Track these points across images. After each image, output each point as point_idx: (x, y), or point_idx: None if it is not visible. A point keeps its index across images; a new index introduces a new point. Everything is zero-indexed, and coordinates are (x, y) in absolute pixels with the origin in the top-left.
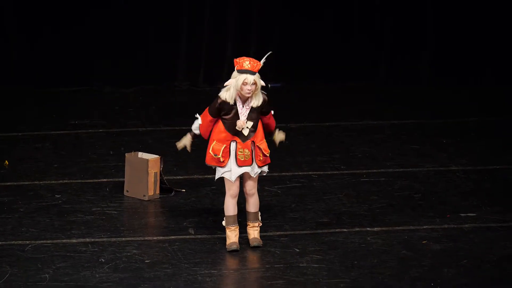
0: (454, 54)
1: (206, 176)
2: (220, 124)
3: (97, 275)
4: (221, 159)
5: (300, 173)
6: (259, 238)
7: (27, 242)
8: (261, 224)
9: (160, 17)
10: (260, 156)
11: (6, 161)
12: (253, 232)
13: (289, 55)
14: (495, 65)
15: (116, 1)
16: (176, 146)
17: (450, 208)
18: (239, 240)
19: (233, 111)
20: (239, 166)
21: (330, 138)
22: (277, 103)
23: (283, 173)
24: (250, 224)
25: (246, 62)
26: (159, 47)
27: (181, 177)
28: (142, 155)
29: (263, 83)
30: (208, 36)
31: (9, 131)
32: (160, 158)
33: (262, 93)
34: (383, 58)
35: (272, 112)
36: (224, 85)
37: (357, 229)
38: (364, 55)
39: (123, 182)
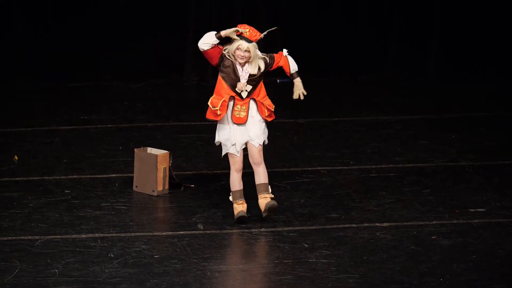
0: (463, 48)
1: (215, 171)
2: (220, 80)
3: (106, 270)
4: (218, 112)
5: (309, 169)
6: (274, 202)
7: (37, 237)
8: (272, 196)
9: (168, 11)
10: (265, 112)
11: (16, 156)
12: (265, 201)
13: (297, 49)
14: (504, 59)
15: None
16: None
17: (459, 203)
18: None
19: (232, 68)
20: (234, 123)
21: (339, 133)
22: (286, 98)
23: (292, 169)
24: (261, 195)
25: (246, 30)
26: (168, 42)
27: (190, 173)
28: (151, 150)
29: (259, 54)
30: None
31: (18, 126)
32: (169, 153)
33: (263, 58)
34: (391, 51)
35: (285, 51)
36: (225, 47)
37: (366, 224)
38: (372, 48)
39: (132, 178)
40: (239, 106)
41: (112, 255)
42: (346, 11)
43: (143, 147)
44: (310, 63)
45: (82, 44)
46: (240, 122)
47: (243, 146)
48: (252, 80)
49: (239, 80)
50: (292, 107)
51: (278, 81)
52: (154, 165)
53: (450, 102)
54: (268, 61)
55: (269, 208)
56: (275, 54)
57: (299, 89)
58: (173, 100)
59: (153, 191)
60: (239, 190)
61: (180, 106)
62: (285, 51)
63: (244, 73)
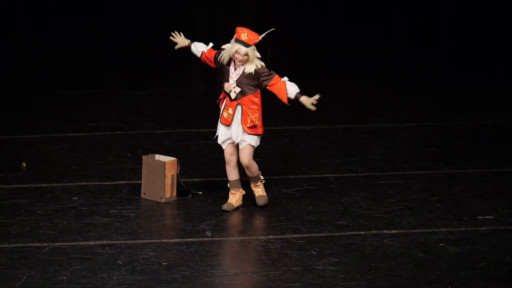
0: (471, 54)
1: (223, 178)
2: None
3: (114, 278)
4: (219, 106)
5: (316, 176)
6: (264, 195)
7: (45, 244)
8: (264, 181)
9: (176, 18)
10: (247, 122)
11: (24, 163)
12: (257, 190)
13: (304, 54)
14: None
15: (132, 4)
16: (174, 37)
17: (467, 210)
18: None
19: (225, 71)
20: (221, 123)
21: (347, 140)
22: (292, 105)
23: (299, 176)
24: (252, 184)
25: (244, 34)
26: (175, 49)
27: (198, 180)
28: (159, 157)
29: (258, 55)
30: (223, 37)
31: (26, 133)
32: (177, 160)
33: (260, 67)
34: (398, 57)
35: (286, 78)
36: (221, 47)
37: (374, 231)
38: (379, 54)
39: (140, 185)
40: (227, 107)
41: (120, 262)
42: (350, 15)
43: (151, 154)
44: (317, 68)
45: (89, 51)
46: (225, 123)
47: (228, 142)
48: (243, 83)
49: (227, 81)
50: (299, 114)
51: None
52: (162, 172)
53: (458, 108)
54: (266, 72)
55: (260, 205)
56: (277, 75)
57: (309, 102)
58: (181, 107)
59: (161, 198)
60: (233, 181)
61: (188, 113)
62: (285, 78)
63: (234, 74)
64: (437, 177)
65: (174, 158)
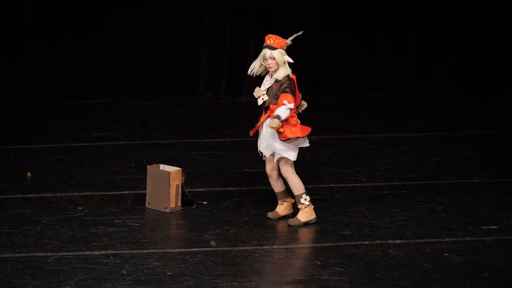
0: (477, 65)
1: (227, 188)
2: None
3: (118, 287)
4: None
5: (322, 186)
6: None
7: (49, 254)
8: (292, 201)
9: (182, 29)
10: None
11: (29, 173)
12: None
13: (311, 66)
14: None
15: (137, 15)
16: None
17: (472, 220)
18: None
19: (263, 81)
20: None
21: (352, 150)
22: (299, 115)
23: (305, 186)
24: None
25: (270, 39)
26: (181, 59)
27: (202, 189)
28: (164, 167)
29: (288, 59)
30: (229, 48)
31: (31, 143)
32: (182, 170)
33: (283, 78)
34: (404, 69)
35: (286, 104)
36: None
37: (379, 241)
38: (385, 66)
39: (145, 194)
40: (259, 120)
41: (124, 272)
42: (359, 28)
43: (156, 164)
44: (324, 80)
45: (95, 61)
46: (254, 132)
47: (268, 154)
48: (274, 91)
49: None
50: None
51: None
52: (166, 182)
53: (463, 119)
54: (284, 85)
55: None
56: (282, 95)
57: (273, 123)
58: (186, 117)
59: (165, 208)
60: (277, 193)
61: (193, 123)
62: (285, 102)
63: (267, 82)
64: (442, 187)
65: (179, 168)
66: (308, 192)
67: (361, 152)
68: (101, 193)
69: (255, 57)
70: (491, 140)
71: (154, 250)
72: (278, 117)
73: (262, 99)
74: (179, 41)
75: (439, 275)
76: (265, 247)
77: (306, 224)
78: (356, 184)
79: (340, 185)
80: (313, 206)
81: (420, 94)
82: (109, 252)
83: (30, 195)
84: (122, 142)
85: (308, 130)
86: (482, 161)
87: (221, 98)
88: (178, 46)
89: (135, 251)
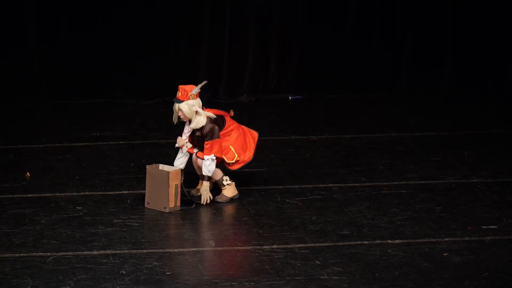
0: (476, 65)
1: None
2: None
3: (118, 287)
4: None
5: (321, 185)
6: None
7: (48, 254)
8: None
9: (181, 28)
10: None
11: (28, 173)
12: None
13: (310, 66)
14: None
15: (136, 15)
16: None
17: (471, 220)
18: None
19: (183, 130)
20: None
21: (351, 150)
22: (298, 115)
23: (304, 185)
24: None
25: (178, 91)
26: (180, 59)
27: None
28: (163, 167)
29: (197, 109)
30: (228, 48)
31: (30, 143)
32: (181, 170)
33: (200, 127)
34: (404, 69)
35: (205, 159)
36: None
37: (378, 241)
38: (385, 65)
39: (144, 194)
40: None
41: (123, 271)
42: (359, 28)
43: (155, 164)
44: (324, 80)
45: (94, 61)
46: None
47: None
48: (195, 139)
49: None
50: (304, 125)
51: (290, 98)
52: (166, 182)
53: (462, 119)
54: (207, 135)
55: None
56: (207, 146)
57: (206, 193)
58: None
59: (164, 207)
60: (200, 175)
61: None
62: (206, 157)
63: (187, 130)
64: (442, 186)
65: (178, 168)
66: (307, 191)
67: (360, 152)
68: (100, 193)
69: (254, 57)
70: (491, 140)
71: (153, 250)
72: (208, 178)
73: (186, 146)
74: (179, 41)
75: (438, 275)
76: (265, 247)
77: (231, 200)
78: (356, 184)
79: (339, 185)
80: (234, 183)
81: (420, 94)
82: (108, 252)
83: (29, 195)
84: (121, 142)
85: (251, 147)
86: (481, 161)
87: (220, 97)
88: (178, 46)
89: (134, 251)
